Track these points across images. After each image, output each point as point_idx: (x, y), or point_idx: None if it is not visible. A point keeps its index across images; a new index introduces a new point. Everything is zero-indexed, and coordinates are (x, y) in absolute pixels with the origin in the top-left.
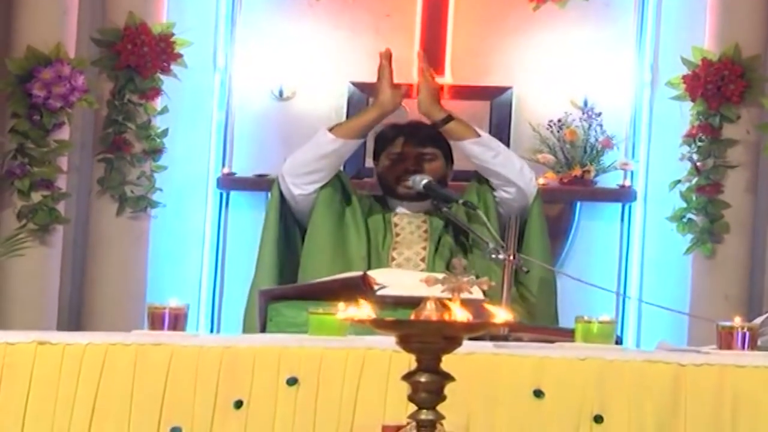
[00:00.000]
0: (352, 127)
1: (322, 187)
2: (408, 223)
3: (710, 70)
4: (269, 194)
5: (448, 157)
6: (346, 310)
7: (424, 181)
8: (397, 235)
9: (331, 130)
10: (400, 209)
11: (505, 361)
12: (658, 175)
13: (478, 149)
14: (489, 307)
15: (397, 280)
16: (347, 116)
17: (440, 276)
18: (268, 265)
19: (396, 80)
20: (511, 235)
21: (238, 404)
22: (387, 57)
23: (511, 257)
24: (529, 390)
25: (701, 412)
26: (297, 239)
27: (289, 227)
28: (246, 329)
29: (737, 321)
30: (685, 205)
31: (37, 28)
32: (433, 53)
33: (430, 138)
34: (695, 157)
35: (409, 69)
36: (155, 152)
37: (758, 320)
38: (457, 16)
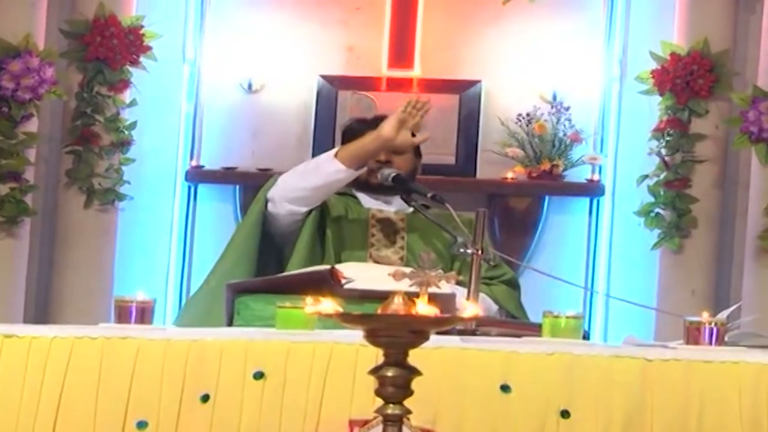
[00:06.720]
0: (357, 156)
1: (310, 211)
2: (385, 227)
3: (679, 65)
4: (252, 205)
5: (417, 150)
6: (313, 304)
7: (393, 174)
8: (373, 236)
9: (335, 156)
10: (374, 205)
11: (472, 355)
12: (627, 170)
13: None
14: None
15: (365, 274)
16: (316, 110)
17: (408, 270)
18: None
19: (365, 73)
20: (478, 229)
21: (205, 398)
22: (424, 107)
23: (479, 251)
24: (496, 385)
25: (668, 407)
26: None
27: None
28: (185, 317)
29: (705, 316)
30: (653, 199)
31: (5, 20)
32: (402, 47)
33: None
34: (663, 151)
35: (378, 62)
36: (123, 145)
37: (724, 314)
38: (426, 9)
